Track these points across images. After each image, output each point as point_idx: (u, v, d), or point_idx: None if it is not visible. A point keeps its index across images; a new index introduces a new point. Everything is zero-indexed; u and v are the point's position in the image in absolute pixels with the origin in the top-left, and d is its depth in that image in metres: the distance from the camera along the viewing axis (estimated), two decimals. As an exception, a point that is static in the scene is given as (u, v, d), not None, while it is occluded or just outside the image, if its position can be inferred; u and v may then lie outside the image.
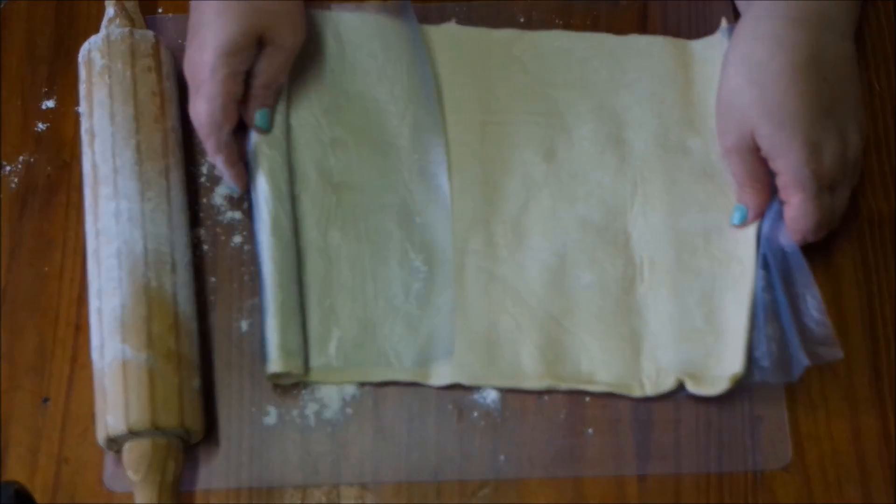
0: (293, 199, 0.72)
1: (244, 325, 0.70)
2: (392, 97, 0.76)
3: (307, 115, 0.75)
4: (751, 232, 0.71)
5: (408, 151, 0.74)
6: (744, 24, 0.71)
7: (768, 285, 0.69)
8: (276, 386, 0.69)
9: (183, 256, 0.69)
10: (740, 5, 0.77)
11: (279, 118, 0.73)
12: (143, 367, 0.64)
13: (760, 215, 0.70)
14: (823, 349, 0.66)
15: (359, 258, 0.71)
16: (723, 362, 0.68)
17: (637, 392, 0.68)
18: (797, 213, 0.67)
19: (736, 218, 0.71)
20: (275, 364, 0.66)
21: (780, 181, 0.68)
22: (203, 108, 0.69)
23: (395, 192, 0.73)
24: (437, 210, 0.72)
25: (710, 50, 0.77)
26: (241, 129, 0.72)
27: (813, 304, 0.67)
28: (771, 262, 0.69)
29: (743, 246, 0.71)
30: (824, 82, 0.67)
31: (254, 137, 0.72)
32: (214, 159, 0.71)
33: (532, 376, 0.68)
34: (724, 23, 0.78)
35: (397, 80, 0.76)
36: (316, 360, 0.68)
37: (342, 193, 0.73)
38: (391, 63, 0.77)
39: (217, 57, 0.68)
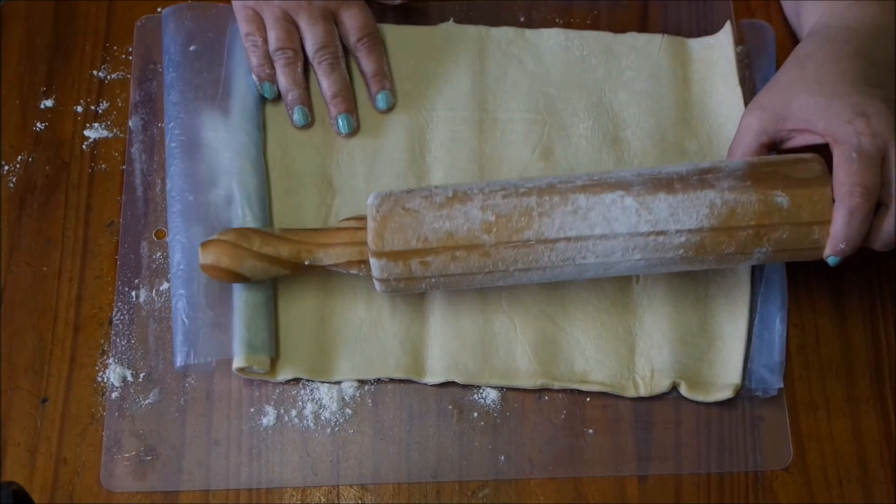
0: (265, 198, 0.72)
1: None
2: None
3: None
4: None
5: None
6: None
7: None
8: (274, 386, 0.68)
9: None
10: (794, 26, 0.77)
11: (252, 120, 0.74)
12: None
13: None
14: (769, 375, 0.66)
15: None
16: (715, 368, 0.68)
17: (631, 392, 0.68)
18: (844, 187, 0.59)
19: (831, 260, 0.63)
20: (239, 360, 0.66)
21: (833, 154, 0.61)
22: None
23: None
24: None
25: (708, 51, 0.77)
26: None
27: (778, 330, 0.67)
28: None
29: None
30: (872, 67, 0.64)
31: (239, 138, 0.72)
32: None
33: (526, 375, 0.68)
34: (727, 26, 0.78)
35: None
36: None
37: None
38: None
39: None
